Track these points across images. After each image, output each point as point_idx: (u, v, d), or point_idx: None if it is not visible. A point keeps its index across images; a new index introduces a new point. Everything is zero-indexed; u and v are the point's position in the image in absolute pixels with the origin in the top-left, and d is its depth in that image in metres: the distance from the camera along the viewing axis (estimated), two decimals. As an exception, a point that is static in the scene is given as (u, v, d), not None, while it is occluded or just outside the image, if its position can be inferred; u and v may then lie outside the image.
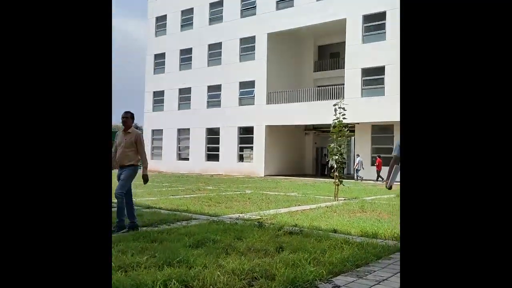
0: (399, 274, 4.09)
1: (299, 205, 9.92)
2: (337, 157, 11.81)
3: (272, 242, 5.25)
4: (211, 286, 3.34)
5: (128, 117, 6.27)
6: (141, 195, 11.30)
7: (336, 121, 11.87)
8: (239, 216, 7.67)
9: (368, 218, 8.03)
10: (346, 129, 12.06)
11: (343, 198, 11.85)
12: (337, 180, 11.67)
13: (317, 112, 24.23)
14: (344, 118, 11.77)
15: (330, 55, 28.72)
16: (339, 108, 11.74)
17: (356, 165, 23.66)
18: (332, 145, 11.93)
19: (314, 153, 30.02)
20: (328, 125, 26.71)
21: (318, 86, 26.49)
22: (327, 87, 25.04)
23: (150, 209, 8.25)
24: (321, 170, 28.98)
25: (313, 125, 28.17)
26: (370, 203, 10.71)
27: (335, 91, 24.35)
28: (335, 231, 6.33)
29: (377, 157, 23.05)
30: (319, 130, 28.67)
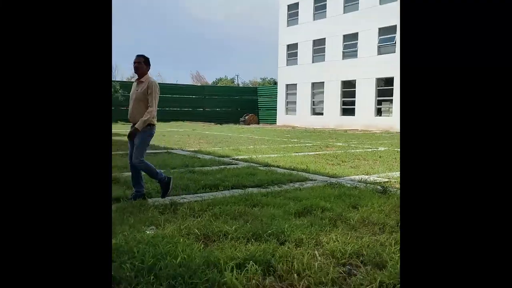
0: None
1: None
2: None
3: (394, 214, 4.34)
4: (297, 274, 2.67)
5: (140, 62, 4.92)
6: (263, 151, 11.01)
7: None
8: (362, 178, 6.78)
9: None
10: None
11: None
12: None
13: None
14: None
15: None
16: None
17: None
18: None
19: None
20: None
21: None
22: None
23: (267, 167, 7.80)
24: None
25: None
26: None
27: None
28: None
29: None
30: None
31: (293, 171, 7.29)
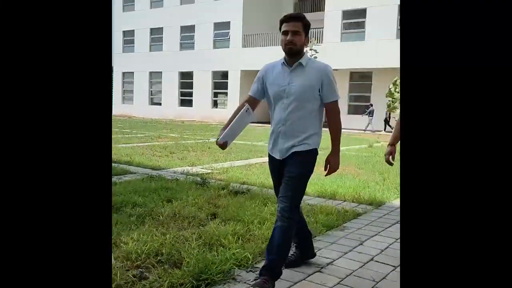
0: (349, 253, 3.25)
1: (261, 156, 9.01)
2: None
3: (207, 206, 4.34)
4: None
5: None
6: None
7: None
8: (185, 170, 6.72)
9: (333, 173, 7.19)
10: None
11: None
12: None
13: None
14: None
15: (311, -4, 27.04)
16: (310, 50, 10.62)
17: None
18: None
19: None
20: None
21: (297, 29, 24.99)
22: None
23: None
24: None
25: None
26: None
27: (315, 35, 22.96)
28: (289, 190, 5.47)
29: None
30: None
31: (114, 164, 6.86)
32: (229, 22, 25.41)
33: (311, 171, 2.63)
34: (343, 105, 22.95)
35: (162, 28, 28.32)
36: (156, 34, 28.75)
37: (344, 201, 4.99)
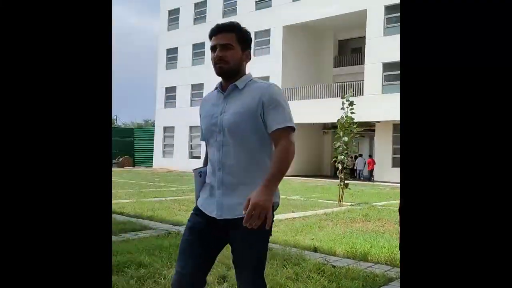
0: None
1: (293, 211, 8.53)
2: (343, 157, 10.36)
3: (219, 266, 3.90)
4: None
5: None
6: (116, 195, 10.10)
7: (344, 116, 10.42)
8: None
9: (368, 229, 6.60)
10: (354, 126, 10.60)
11: (350, 203, 10.37)
12: (342, 183, 10.22)
13: (335, 110, 22.67)
14: (352, 113, 10.32)
15: (352, 50, 27.04)
16: (346, 101, 10.30)
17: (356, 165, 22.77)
18: (338, 143, 10.49)
19: (333, 153, 28.41)
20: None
21: (337, 83, 24.82)
22: (345, 83, 23.41)
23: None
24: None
25: (331, 123, 26.58)
26: (378, 209, 9.22)
27: (355, 87, 22.72)
28: (315, 249, 4.93)
29: (369, 157, 21.77)
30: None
31: (135, 219, 6.59)
32: (268, 77, 25.70)
33: (267, 241, 1.95)
34: (386, 159, 22.13)
35: (203, 83, 29.06)
36: (197, 90, 29.48)
37: (377, 263, 4.41)
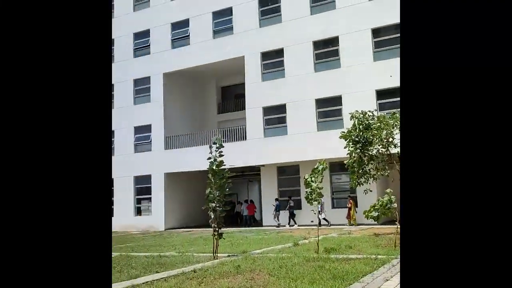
0: None
1: (156, 271, 7.51)
2: (214, 204, 9.67)
3: None
4: None
5: None
6: None
7: (212, 161, 9.81)
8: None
9: (234, 286, 5.87)
10: (226, 170, 10.04)
11: (226, 255, 9.61)
12: (215, 233, 9.47)
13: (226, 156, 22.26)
14: (220, 155, 9.77)
15: (235, 96, 27.24)
16: (214, 144, 9.74)
17: (274, 211, 21.57)
18: (208, 189, 9.81)
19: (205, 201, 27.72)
20: (236, 169, 24.80)
21: (222, 128, 24.57)
22: (229, 129, 23.25)
23: None
24: (232, 219, 26.73)
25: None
26: (253, 259, 8.57)
27: (238, 132, 22.64)
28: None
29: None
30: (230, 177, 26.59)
31: None
32: (150, 125, 24.65)
33: None
34: (273, 202, 22.01)
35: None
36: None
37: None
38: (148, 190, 24.39)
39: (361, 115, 14.12)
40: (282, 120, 21.37)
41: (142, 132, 25.02)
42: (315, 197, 9.80)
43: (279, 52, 21.54)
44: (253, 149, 21.55)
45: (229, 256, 9.48)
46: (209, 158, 9.75)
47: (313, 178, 9.86)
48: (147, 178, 24.39)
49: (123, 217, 24.67)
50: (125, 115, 25.32)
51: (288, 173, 22.45)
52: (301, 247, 10.74)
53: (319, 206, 20.08)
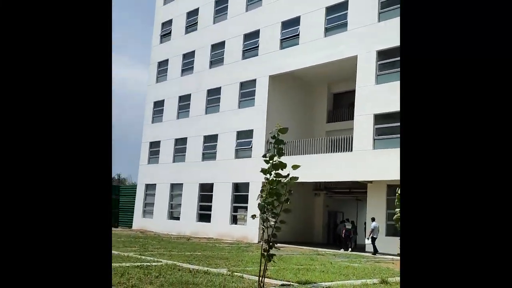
0: None
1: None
2: (265, 215, 7.52)
3: None
4: None
5: None
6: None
7: (268, 160, 7.68)
8: None
9: None
10: (290, 177, 7.80)
11: (281, 283, 7.37)
12: (265, 254, 7.28)
13: (326, 167, 19.86)
14: (280, 153, 7.59)
15: (349, 104, 24.59)
16: (272, 138, 7.58)
17: (370, 233, 18.58)
18: (259, 197, 7.69)
19: (326, 218, 25.09)
20: (342, 183, 22.01)
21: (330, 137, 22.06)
22: (336, 138, 20.70)
23: None
24: (333, 238, 23.99)
25: (324, 183, 23.62)
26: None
27: (345, 142, 20.00)
28: None
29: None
30: (332, 190, 24.00)
31: None
32: (252, 130, 23.32)
33: None
34: (380, 226, 18.82)
35: (186, 138, 26.85)
36: (180, 145, 27.26)
37: None
38: (245, 199, 22.97)
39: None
40: (395, 130, 18.20)
41: (244, 138, 23.78)
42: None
43: (397, 50, 18.49)
44: (360, 163, 18.73)
45: (282, 286, 7.23)
46: (264, 156, 7.61)
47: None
48: (245, 186, 23.00)
49: (220, 225, 23.62)
50: (228, 119, 24.41)
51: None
52: (390, 286, 7.98)
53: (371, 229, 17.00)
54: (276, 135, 7.39)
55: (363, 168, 18.66)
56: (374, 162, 18.27)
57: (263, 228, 7.62)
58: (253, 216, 7.75)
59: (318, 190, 24.52)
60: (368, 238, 18.83)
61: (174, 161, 27.43)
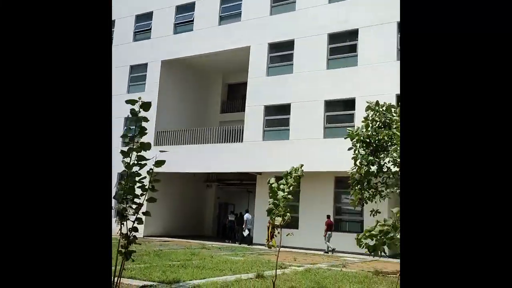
0: None
1: None
2: (123, 205, 6.70)
3: None
4: None
5: None
6: None
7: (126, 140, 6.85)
8: None
9: None
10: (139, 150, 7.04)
11: (141, 284, 6.62)
12: (122, 251, 6.46)
13: (218, 158, 19.37)
14: (142, 133, 6.81)
15: (242, 96, 24.36)
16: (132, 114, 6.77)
17: (245, 224, 19.06)
18: (117, 185, 6.84)
19: (217, 210, 24.72)
20: (233, 175, 21.71)
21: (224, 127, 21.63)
22: (229, 128, 20.31)
23: None
24: (223, 231, 23.72)
25: (216, 175, 23.17)
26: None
27: (237, 133, 19.70)
28: None
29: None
30: (224, 182, 23.64)
31: None
32: (140, 117, 22.00)
33: None
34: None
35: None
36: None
37: None
38: (131, 190, 21.65)
39: (380, 108, 10.99)
40: (285, 122, 18.31)
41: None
42: (281, 211, 6.73)
43: (289, 44, 18.57)
44: (250, 154, 18.57)
45: (143, 287, 6.49)
46: (124, 136, 6.71)
47: (281, 185, 6.85)
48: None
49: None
50: (117, 105, 22.76)
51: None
52: (261, 282, 7.65)
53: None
54: (137, 111, 6.55)
55: (253, 160, 18.55)
56: (263, 153, 18.22)
57: (120, 221, 6.75)
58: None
59: (210, 181, 24.03)
60: (244, 230, 19.19)
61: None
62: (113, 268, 6.57)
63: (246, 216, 19.37)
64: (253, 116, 18.95)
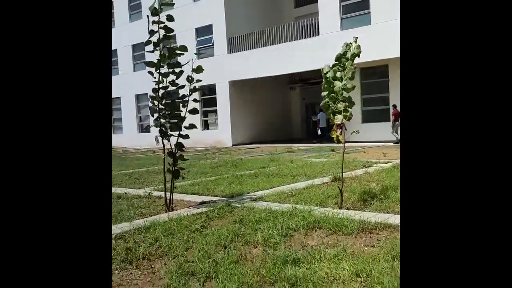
0: None
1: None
2: (163, 120, 6.02)
3: None
4: None
5: None
6: None
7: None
8: None
9: None
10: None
11: (200, 200, 6.12)
12: (171, 168, 5.88)
13: (298, 56, 18.01)
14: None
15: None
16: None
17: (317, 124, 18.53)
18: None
19: (304, 112, 23.76)
20: (316, 72, 20.41)
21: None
22: (304, 22, 18.51)
23: None
24: (314, 133, 22.92)
25: (298, 75, 21.87)
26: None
27: (313, 26, 17.92)
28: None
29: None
30: (307, 82, 22.32)
31: None
32: (211, 25, 21.01)
33: None
34: (355, 113, 17.52)
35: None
36: (139, 51, 25.02)
37: None
38: (213, 102, 21.44)
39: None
40: (363, 6, 16.05)
41: (203, 35, 21.53)
42: (341, 107, 5.55)
43: None
44: (328, 47, 16.85)
45: (202, 203, 5.97)
46: (148, 43, 5.82)
47: (338, 73, 5.62)
48: (211, 88, 21.32)
49: (192, 131, 22.34)
50: (181, 16, 21.93)
51: (377, 75, 17.56)
52: (332, 188, 6.73)
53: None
54: (158, 9, 5.54)
55: (333, 53, 16.84)
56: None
57: (158, 137, 6.10)
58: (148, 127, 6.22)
59: (293, 83, 22.88)
60: (318, 129, 18.53)
61: (134, 71, 25.41)
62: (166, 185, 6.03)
63: (319, 115, 18.41)
64: (328, 6, 16.88)
